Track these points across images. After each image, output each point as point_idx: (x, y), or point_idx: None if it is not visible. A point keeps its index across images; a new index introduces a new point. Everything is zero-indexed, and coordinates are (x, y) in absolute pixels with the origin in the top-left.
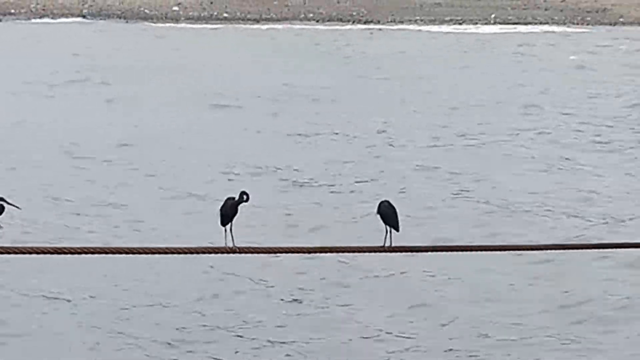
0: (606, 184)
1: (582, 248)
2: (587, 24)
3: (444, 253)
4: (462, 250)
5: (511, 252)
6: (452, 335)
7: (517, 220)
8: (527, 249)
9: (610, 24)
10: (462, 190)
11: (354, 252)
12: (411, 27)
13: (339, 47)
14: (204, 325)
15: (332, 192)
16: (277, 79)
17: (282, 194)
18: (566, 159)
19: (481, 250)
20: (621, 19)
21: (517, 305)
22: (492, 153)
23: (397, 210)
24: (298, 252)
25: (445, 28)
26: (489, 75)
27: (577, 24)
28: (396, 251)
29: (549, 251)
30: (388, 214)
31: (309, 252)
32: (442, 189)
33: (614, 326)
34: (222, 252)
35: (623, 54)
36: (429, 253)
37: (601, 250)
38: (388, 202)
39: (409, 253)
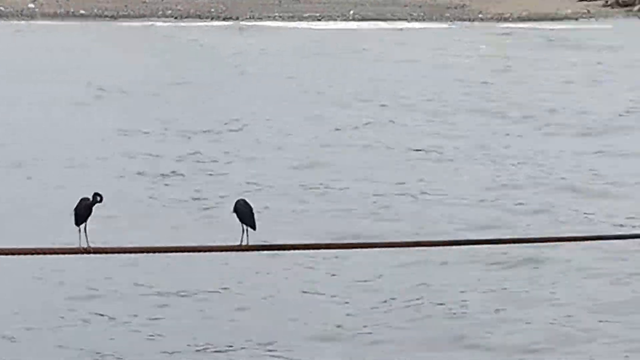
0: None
1: (437, 245)
2: (446, 20)
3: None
4: (324, 249)
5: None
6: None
7: (363, 211)
8: (386, 247)
9: (470, 20)
10: (319, 184)
11: (209, 251)
12: (270, 23)
13: (196, 44)
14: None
15: (190, 189)
16: (132, 75)
17: (139, 191)
18: (412, 149)
19: (344, 248)
20: (480, 15)
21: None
22: (349, 144)
23: (253, 209)
24: (152, 252)
25: (304, 24)
26: (341, 72)
27: (436, 20)
28: (252, 250)
29: (412, 248)
30: (244, 213)
31: (164, 252)
32: (295, 182)
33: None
34: (76, 253)
35: (483, 51)
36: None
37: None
38: (244, 200)
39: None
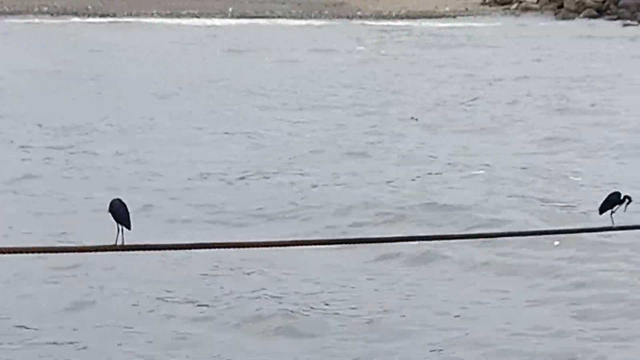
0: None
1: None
2: (325, 18)
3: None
4: (198, 248)
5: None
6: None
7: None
8: (266, 245)
9: (348, 18)
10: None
11: (83, 251)
12: (147, 20)
13: (73, 40)
14: None
15: (65, 186)
16: (9, 70)
17: (13, 190)
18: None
19: (220, 247)
20: (359, 12)
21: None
22: (222, 141)
23: (129, 209)
24: (25, 252)
25: (182, 21)
26: (217, 69)
27: (315, 17)
28: (127, 249)
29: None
30: (119, 212)
31: (37, 252)
32: (170, 179)
33: None
34: None
35: (360, 48)
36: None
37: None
38: (119, 200)
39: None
